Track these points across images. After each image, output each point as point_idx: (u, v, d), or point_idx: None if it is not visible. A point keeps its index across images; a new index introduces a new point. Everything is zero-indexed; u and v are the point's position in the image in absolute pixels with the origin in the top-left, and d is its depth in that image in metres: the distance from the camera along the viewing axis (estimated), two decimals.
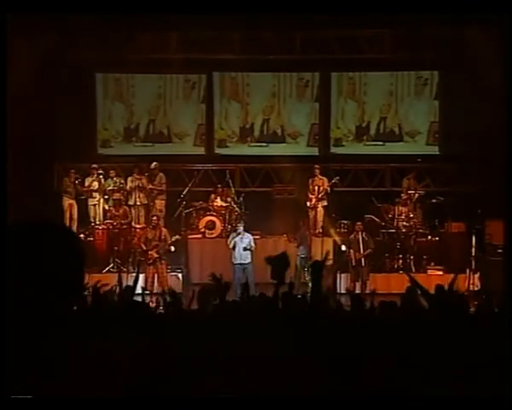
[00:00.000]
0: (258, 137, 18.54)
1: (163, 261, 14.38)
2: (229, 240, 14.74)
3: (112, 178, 16.66)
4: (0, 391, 2.29)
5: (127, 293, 7.35)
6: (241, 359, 5.14)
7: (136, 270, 14.95)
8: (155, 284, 14.22)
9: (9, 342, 2.33)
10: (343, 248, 15.18)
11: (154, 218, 15.05)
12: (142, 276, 14.57)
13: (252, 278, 13.96)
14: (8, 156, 11.58)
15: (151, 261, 14.15)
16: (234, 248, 14.47)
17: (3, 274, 2.33)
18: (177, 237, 14.99)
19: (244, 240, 14.46)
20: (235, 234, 14.68)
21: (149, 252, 14.18)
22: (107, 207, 16.35)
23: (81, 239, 10.88)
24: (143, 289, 14.13)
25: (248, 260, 14.36)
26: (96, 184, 16.48)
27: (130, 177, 16.60)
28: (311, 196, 16.77)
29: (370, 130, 18.41)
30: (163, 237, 14.36)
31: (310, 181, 16.89)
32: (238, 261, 14.36)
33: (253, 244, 14.52)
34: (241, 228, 14.59)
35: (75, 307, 2.48)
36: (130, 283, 14.77)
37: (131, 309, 7.10)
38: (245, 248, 14.33)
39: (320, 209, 16.73)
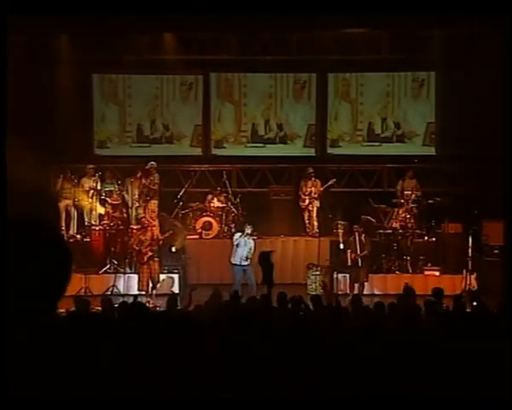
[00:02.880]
0: (254, 138, 18.53)
1: (156, 260, 14.36)
2: (234, 237, 14.64)
3: (111, 179, 16.63)
4: (0, 391, 2.28)
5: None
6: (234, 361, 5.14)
7: (132, 270, 15.00)
8: (150, 283, 14.24)
9: (9, 343, 2.32)
10: (341, 246, 15.20)
11: (148, 218, 15.07)
12: (136, 276, 14.62)
13: (253, 279, 13.92)
14: (6, 157, 11.56)
15: (144, 260, 14.17)
16: (237, 246, 14.38)
17: (3, 275, 2.31)
18: (170, 232, 14.99)
19: (248, 244, 14.37)
20: (241, 233, 14.55)
21: (143, 251, 14.20)
22: (103, 209, 16.32)
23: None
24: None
25: (247, 262, 14.27)
26: (92, 185, 16.45)
27: (128, 178, 16.58)
28: (304, 196, 16.80)
29: (367, 130, 18.41)
30: (155, 238, 14.39)
31: (302, 183, 16.91)
32: (238, 262, 14.30)
33: (252, 252, 14.38)
34: (249, 230, 14.49)
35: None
36: (128, 283, 14.86)
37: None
38: (246, 258, 14.27)
39: (314, 210, 16.75)
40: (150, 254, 14.20)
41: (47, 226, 2.37)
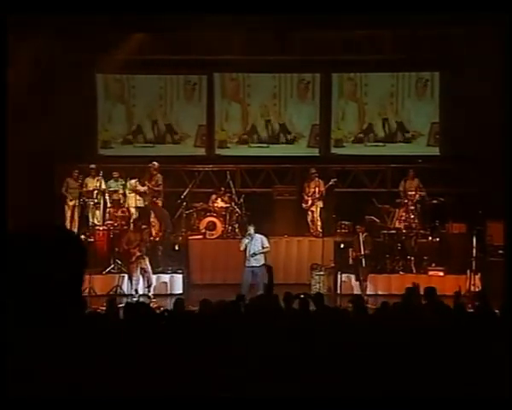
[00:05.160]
0: (258, 138, 18.53)
1: (145, 259, 14.42)
2: (240, 244, 14.59)
3: (115, 179, 16.69)
4: (0, 391, 2.28)
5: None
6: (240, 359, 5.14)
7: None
8: (140, 281, 14.39)
9: (9, 344, 2.33)
10: (341, 246, 15.20)
11: (136, 219, 15.28)
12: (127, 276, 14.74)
13: (261, 281, 13.83)
14: (8, 157, 11.60)
15: (133, 260, 14.28)
16: (245, 250, 14.32)
17: (3, 276, 2.33)
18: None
19: (255, 243, 14.29)
20: (245, 237, 14.48)
21: (131, 251, 14.31)
22: (107, 209, 16.37)
23: (81, 239, 11.34)
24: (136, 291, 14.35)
25: (259, 264, 14.08)
26: (96, 185, 16.49)
27: (130, 179, 16.65)
28: (306, 197, 16.80)
29: (371, 131, 18.40)
30: (144, 238, 14.57)
31: (305, 184, 16.90)
32: (248, 264, 14.19)
33: (266, 245, 14.26)
34: (252, 230, 14.41)
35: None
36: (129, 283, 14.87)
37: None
38: (254, 254, 14.16)
39: (317, 211, 16.74)
40: (139, 254, 14.31)
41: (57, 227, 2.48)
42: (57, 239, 2.41)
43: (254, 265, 14.06)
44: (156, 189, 16.49)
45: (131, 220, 15.71)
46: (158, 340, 5.85)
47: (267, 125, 18.53)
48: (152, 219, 16.20)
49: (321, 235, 16.40)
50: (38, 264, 2.34)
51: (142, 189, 16.49)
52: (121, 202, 16.37)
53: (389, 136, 18.39)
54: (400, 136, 18.37)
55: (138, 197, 16.55)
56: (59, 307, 2.34)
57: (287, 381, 4.65)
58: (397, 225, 16.01)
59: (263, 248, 14.20)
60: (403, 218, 15.96)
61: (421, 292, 9.95)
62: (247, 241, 14.25)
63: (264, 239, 14.33)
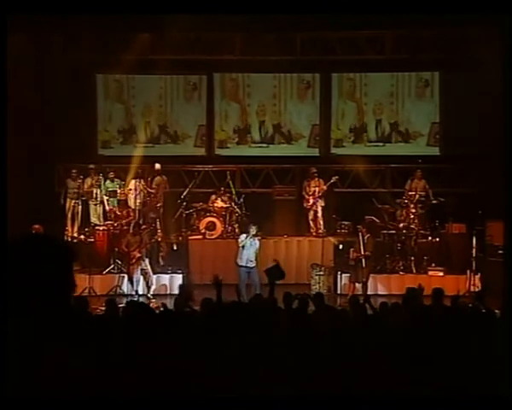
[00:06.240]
0: (258, 138, 18.53)
1: (146, 260, 14.47)
2: (240, 238, 14.58)
3: (111, 179, 16.69)
4: (0, 391, 2.29)
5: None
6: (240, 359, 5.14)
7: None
8: (141, 282, 14.44)
9: (9, 343, 2.33)
10: (340, 246, 15.20)
11: (136, 220, 15.34)
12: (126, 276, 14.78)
13: (257, 280, 13.88)
14: (9, 157, 11.60)
15: (133, 262, 14.31)
16: (243, 248, 14.31)
17: (3, 276, 2.34)
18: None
19: (254, 245, 14.29)
20: (247, 235, 14.45)
21: (131, 253, 14.34)
22: (108, 208, 16.37)
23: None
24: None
25: (253, 264, 14.18)
26: (95, 185, 16.49)
27: (132, 180, 16.66)
28: (307, 196, 16.79)
29: (371, 131, 18.40)
30: (144, 239, 14.67)
31: (306, 183, 16.90)
32: (244, 264, 14.20)
33: (257, 253, 14.27)
34: (254, 231, 14.40)
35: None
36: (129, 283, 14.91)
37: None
38: (252, 259, 14.14)
39: (319, 210, 16.74)
40: (139, 255, 14.33)
41: (45, 236, 2.55)
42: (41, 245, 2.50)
43: (248, 265, 14.13)
44: (150, 190, 16.49)
45: (133, 221, 15.71)
46: (157, 339, 5.85)
47: (267, 125, 18.52)
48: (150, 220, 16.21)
49: (324, 234, 16.39)
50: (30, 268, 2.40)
51: (139, 189, 16.51)
52: (128, 203, 16.37)
53: (389, 136, 18.39)
54: (400, 136, 18.37)
55: (139, 191, 16.53)
56: (47, 304, 2.39)
57: (286, 381, 4.65)
58: (397, 224, 16.00)
59: (255, 254, 14.22)
60: (403, 218, 15.97)
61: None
62: (246, 241, 14.23)
63: (259, 247, 14.33)
